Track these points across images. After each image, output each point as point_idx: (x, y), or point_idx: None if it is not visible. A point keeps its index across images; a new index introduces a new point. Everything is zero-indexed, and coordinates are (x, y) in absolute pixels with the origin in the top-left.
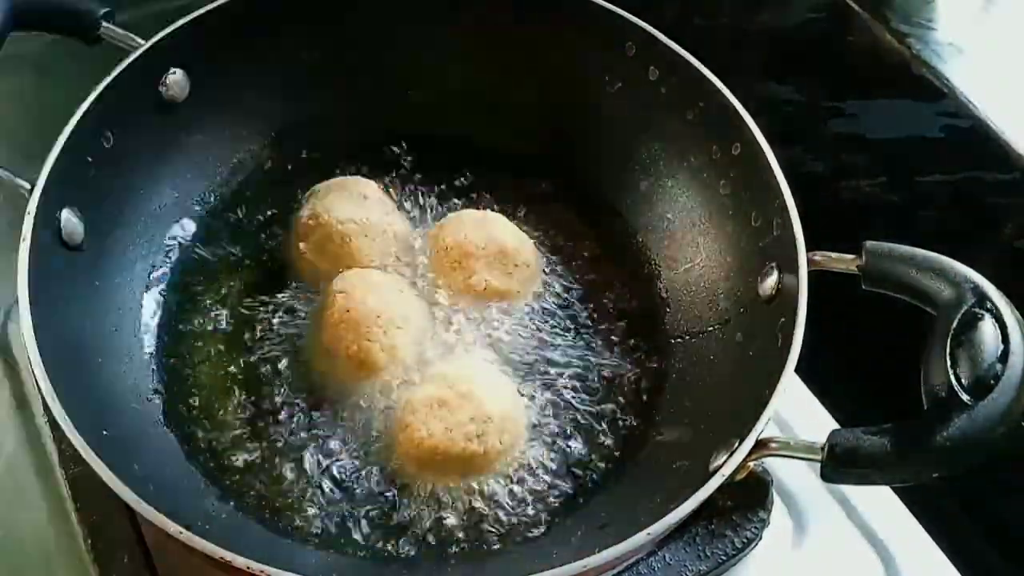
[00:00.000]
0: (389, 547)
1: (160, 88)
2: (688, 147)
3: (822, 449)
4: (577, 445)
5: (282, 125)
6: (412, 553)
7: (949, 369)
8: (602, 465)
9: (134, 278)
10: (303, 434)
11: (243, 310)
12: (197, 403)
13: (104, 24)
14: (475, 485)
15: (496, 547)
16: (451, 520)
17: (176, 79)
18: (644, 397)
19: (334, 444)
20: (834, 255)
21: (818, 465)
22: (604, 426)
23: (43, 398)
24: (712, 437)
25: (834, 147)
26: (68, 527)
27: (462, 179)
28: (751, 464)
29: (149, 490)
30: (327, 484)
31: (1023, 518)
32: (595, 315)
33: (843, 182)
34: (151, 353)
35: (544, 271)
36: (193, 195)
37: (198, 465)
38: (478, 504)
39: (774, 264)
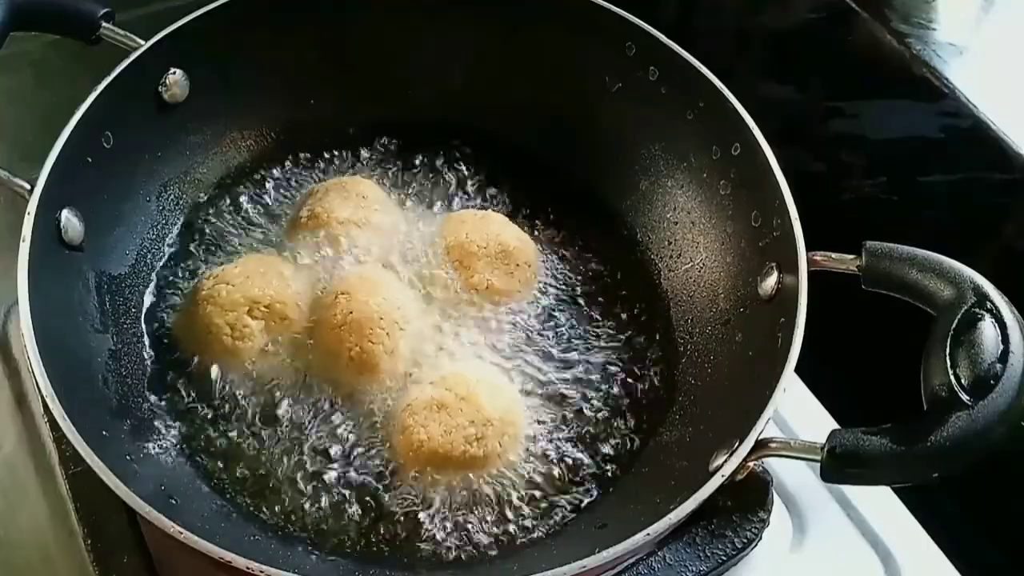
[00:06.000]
0: (389, 549)
1: (160, 88)
2: (688, 147)
3: (822, 449)
4: (577, 446)
5: (282, 125)
6: (411, 554)
7: (949, 369)
8: (602, 465)
9: (134, 278)
10: (303, 435)
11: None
12: (197, 404)
13: (104, 24)
14: (475, 487)
15: (496, 548)
16: (451, 522)
17: (176, 79)
18: (644, 397)
19: (334, 445)
20: (834, 255)
21: (818, 465)
22: (604, 427)
23: (43, 398)
24: (712, 437)
25: (834, 147)
26: (68, 527)
27: (462, 179)
28: (751, 464)
29: (148, 490)
30: (326, 485)
31: (1023, 518)
32: (595, 315)
33: (843, 182)
34: (151, 353)
35: (544, 271)
36: (193, 195)
37: (198, 465)
38: (478, 506)
39: (774, 264)
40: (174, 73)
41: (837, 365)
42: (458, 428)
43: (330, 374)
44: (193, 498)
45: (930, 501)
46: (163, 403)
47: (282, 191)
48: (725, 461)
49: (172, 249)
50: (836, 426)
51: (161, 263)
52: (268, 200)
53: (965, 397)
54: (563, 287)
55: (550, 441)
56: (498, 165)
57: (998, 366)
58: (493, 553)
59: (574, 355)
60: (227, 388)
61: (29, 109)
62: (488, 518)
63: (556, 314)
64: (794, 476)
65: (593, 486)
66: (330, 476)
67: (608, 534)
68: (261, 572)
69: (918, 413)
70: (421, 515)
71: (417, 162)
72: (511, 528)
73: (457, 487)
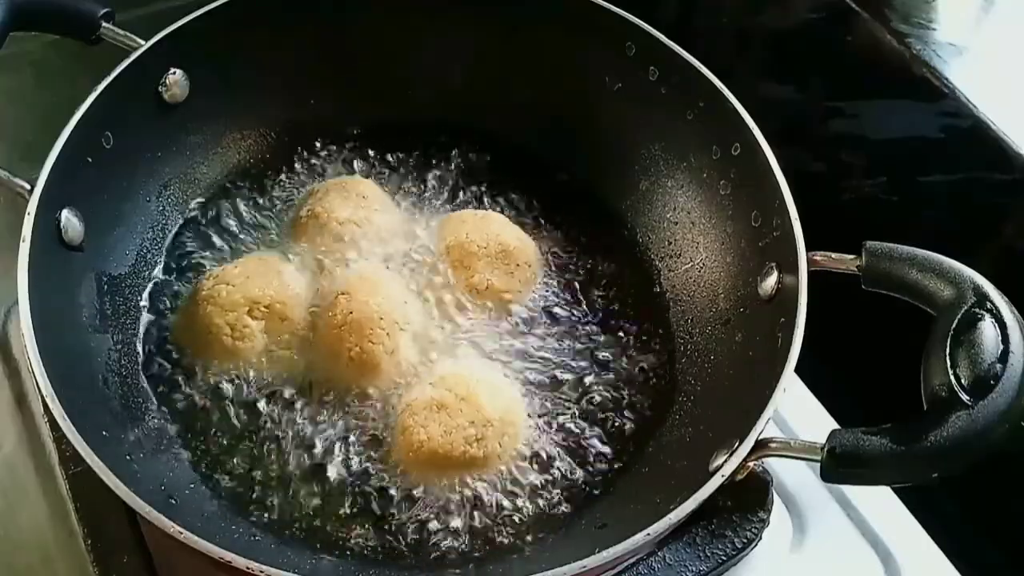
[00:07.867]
0: (389, 549)
1: (160, 88)
2: (688, 147)
3: (822, 449)
4: (577, 446)
5: (282, 124)
6: (412, 555)
7: (949, 369)
8: (602, 465)
9: (134, 278)
10: (303, 435)
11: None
12: (197, 404)
13: (104, 24)
14: (475, 487)
15: (496, 548)
16: (451, 522)
17: (176, 79)
18: (644, 397)
19: (334, 446)
20: (834, 255)
21: (818, 465)
22: (604, 427)
23: (43, 398)
24: (712, 437)
25: (834, 147)
26: (68, 527)
27: (462, 179)
28: (751, 464)
29: (148, 490)
30: (327, 485)
31: (1023, 518)
32: (595, 315)
33: (843, 182)
34: (151, 353)
35: (545, 271)
36: (193, 195)
37: (198, 465)
38: (477, 506)
39: (774, 264)
40: (174, 73)
41: (837, 365)
42: (458, 428)
43: (330, 374)
44: (193, 498)
45: (930, 501)
46: (163, 403)
47: (282, 191)
48: (725, 461)
49: (172, 249)
50: (836, 426)
51: (161, 263)
52: (268, 200)
53: (965, 397)
54: (562, 287)
55: (550, 441)
56: (498, 165)
57: (998, 366)
58: (493, 552)
59: (573, 354)
60: (227, 388)
61: (29, 109)
62: (488, 518)
63: (555, 313)
64: (794, 476)
65: (593, 486)
66: (330, 476)
67: (608, 534)
68: (261, 572)
69: (918, 413)
70: (421, 515)
71: (417, 162)
72: (511, 528)
73: (457, 487)
